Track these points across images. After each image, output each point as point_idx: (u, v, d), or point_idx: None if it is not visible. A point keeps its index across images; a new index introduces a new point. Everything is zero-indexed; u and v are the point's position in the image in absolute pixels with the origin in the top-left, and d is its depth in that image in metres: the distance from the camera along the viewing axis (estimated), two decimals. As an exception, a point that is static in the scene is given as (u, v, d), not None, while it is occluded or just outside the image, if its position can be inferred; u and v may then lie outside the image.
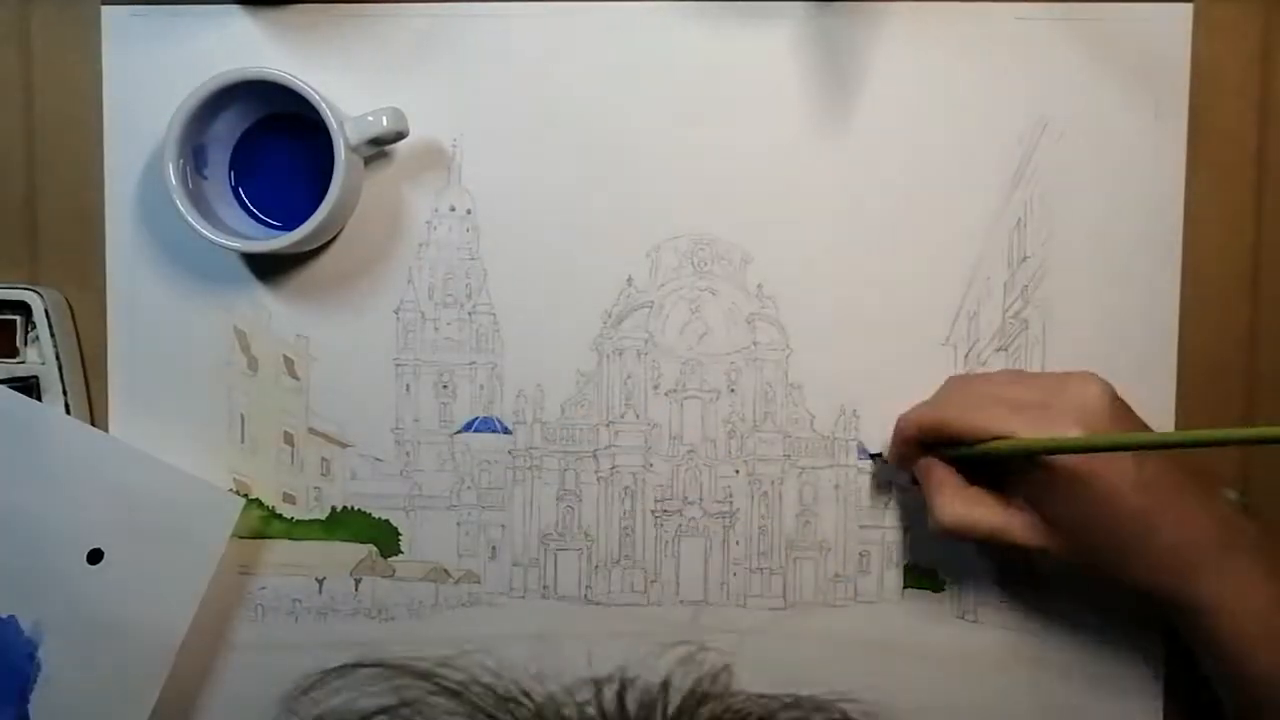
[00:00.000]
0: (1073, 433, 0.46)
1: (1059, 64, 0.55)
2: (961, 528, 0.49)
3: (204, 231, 0.51)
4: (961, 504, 0.49)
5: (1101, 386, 0.47)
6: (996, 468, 0.49)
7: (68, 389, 0.55)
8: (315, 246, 0.55)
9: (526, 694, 0.34)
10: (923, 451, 0.52)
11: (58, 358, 0.55)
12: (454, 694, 0.35)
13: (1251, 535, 0.47)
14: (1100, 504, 0.46)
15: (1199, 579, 0.46)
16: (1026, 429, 0.46)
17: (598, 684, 0.34)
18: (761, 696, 0.34)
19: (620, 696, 0.35)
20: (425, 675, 0.35)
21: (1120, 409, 0.47)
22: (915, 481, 0.53)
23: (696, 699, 0.34)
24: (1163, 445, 0.46)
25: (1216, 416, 0.55)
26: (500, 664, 0.34)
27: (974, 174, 0.55)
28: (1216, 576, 0.46)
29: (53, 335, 0.55)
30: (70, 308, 0.57)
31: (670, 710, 0.34)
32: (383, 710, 0.34)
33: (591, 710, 0.34)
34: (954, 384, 0.53)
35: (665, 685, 0.35)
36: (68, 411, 0.55)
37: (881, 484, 0.56)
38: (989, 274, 0.55)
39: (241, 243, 0.52)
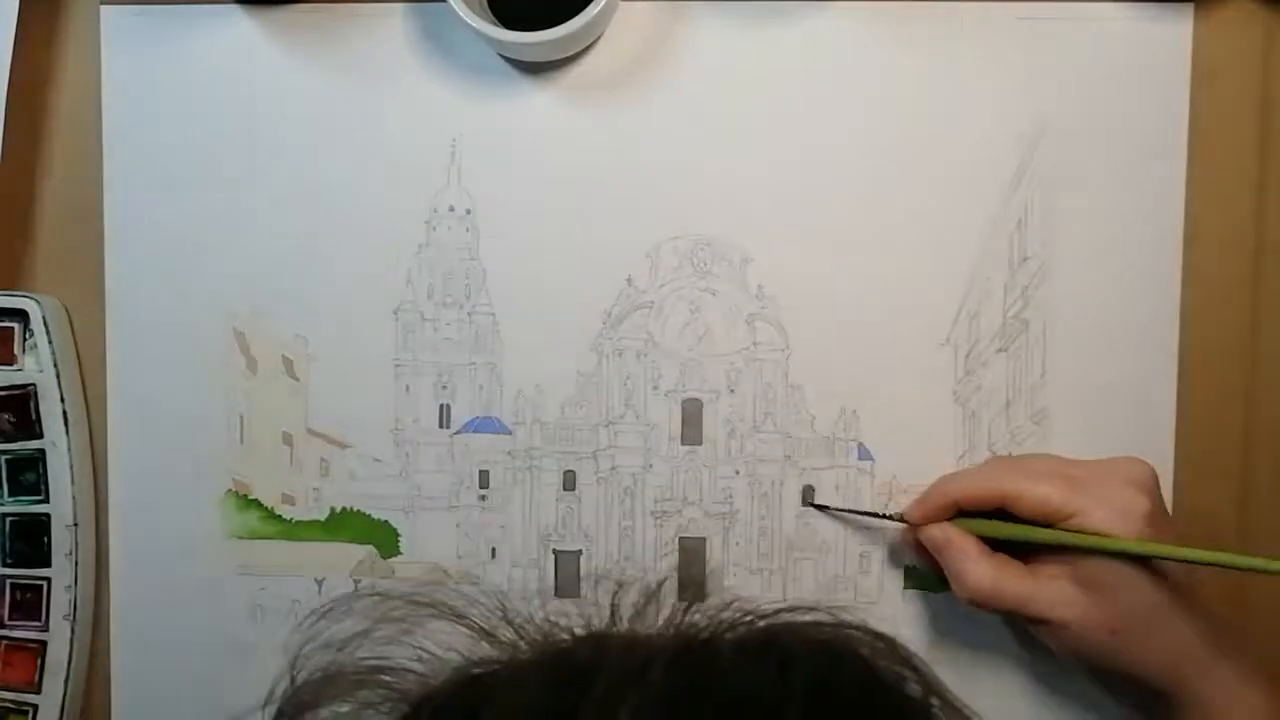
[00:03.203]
0: (1116, 526, 0.47)
1: (1059, 64, 0.55)
2: (992, 594, 0.49)
3: (475, 25, 0.50)
4: (991, 569, 0.50)
5: (1150, 478, 0.50)
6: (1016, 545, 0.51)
7: (65, 396, 0.55)
8: (570, 53, 0.54)
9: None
10: (947, 519, 0.52)
11: (55, 365, 0.55)
12: (458, 615, 0.37)
13: (1234, 638, 0.49)
14: (1122, 591, 0.48)
15: (1195, 677, 0.48)
16: (1083, 504, 0.48)
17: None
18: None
19: (614, 602, 0.36)
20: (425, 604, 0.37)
21: (1160, 505, 0.49)
22: (917, 546, 0.53)
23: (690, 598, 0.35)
24: (1210, 564, 0.47)
25: (1217, 417, 0.55)
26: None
27: (974, 174, 0.55)
28: (1208, 678, 0.48)
29: (50, 343, 0.55)
30: (68, 314, 0.57)
31: (667, 612, 0.35)
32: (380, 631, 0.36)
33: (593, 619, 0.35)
34: (1002, 461, 0.55)
35: (659, 586, 0.36)
36: (65, 419, 0.55)
37: (882, 484, 0.56)
38: (989, 275, 0.55)
39: (515, 36, 0.50)
